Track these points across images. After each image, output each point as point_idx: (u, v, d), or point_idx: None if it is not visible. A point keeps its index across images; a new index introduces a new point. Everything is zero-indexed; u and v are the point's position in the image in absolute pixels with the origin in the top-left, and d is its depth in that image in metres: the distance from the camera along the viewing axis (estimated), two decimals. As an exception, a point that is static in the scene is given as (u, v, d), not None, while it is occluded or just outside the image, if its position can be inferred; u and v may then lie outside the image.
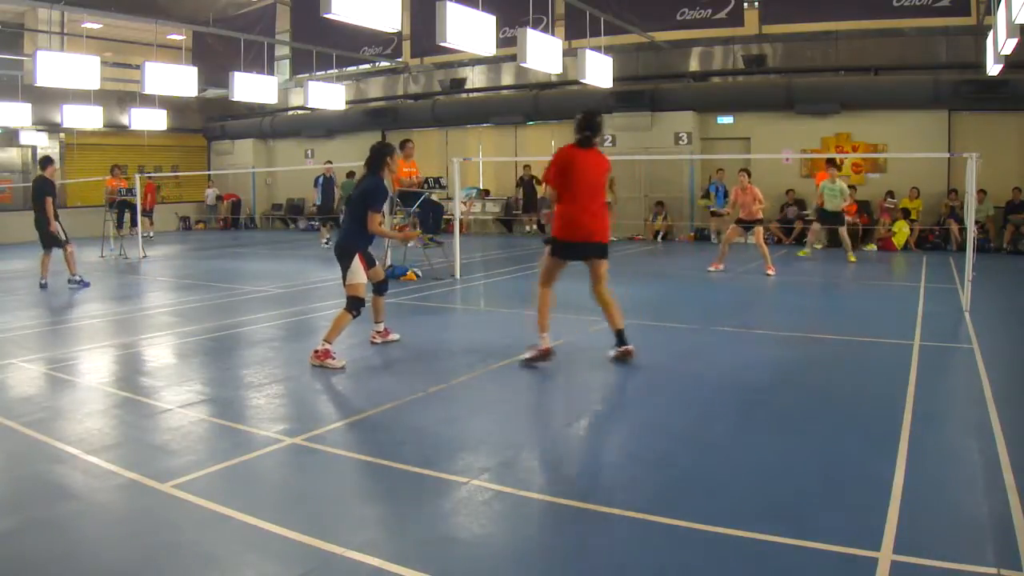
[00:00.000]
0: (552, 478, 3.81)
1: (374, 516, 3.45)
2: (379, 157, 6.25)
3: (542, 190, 14.45)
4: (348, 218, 6.23)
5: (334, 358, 5.90)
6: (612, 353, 5.99)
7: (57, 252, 10.69)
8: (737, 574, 2.85)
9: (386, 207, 11.58)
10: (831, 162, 13.22)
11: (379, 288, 6.56)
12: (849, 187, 15.23)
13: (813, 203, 14.66)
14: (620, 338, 5.98)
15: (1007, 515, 3.24)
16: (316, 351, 5.93)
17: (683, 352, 6.55)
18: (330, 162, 17.32)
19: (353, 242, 6.16)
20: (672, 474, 3.81)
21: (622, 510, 3.33)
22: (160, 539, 3.14)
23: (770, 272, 11.19)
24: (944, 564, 2.82)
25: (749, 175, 11.65)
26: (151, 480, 3.69)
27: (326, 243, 15.86)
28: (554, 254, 5.95)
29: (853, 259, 12.89)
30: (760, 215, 11.59)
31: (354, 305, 6.09)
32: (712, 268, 11.68)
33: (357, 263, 6.15)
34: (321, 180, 16.95)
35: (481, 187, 20.35)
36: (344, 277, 6.18)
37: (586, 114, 5.95)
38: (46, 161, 10.89)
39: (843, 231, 13.16)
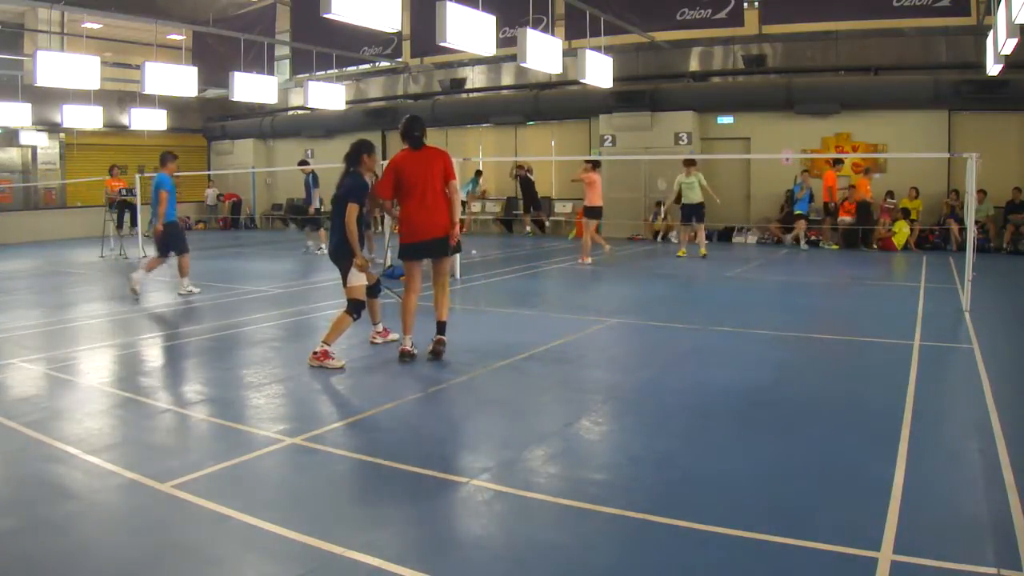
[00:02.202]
0: (552, 478, 3.81)
1: (374, 516, 3.45)
2: (355, 153, 6.19)
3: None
4: (339, 220, 6.08)
5: (333, 358, 5.90)
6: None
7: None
8: (737, 574, 2.85)
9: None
10: (688, 161, 13.47)
11: (371, 291, 6.53)
12: (850, 186, 15.34)
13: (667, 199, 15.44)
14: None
15: (1007, 515, 3.24)
16: (315, 352, 5.93)
17: (683, 352, 6.54)
18: (305, 162, 16.16)
19: (345, 247, 6.09)
20: (672, 474, 3.81)
21: (622, 510, 3.33)
22: (160, 539, 3.14)
23: (585, 261, 12.63)
24: (944, 564, 2.82)
25: (592, 167, 12.82)
26: (151, 480, 3.69)
27: (321, 250, 14.70)
28: (403, 257, 6.23)
29: (704, 253, 13.51)
30: (598, 204, 12.83)
31: (355, 308, 6.09)
32: (580, 262, 12.66)
33: (356, 267, 6.11)
34: (310, 179, 15.42)
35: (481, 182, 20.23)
36: (344, 280, 6.17)
37: (410, 118, 6.18)
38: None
39: (700, 227, 13.64)
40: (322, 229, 14.71)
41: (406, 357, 6.10)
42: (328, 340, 5.94)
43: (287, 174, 23.44)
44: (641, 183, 17.69)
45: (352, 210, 5.93)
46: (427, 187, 6.05)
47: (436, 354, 6.12)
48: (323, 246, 14.47)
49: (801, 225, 15.13)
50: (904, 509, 3.30)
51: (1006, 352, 6.63)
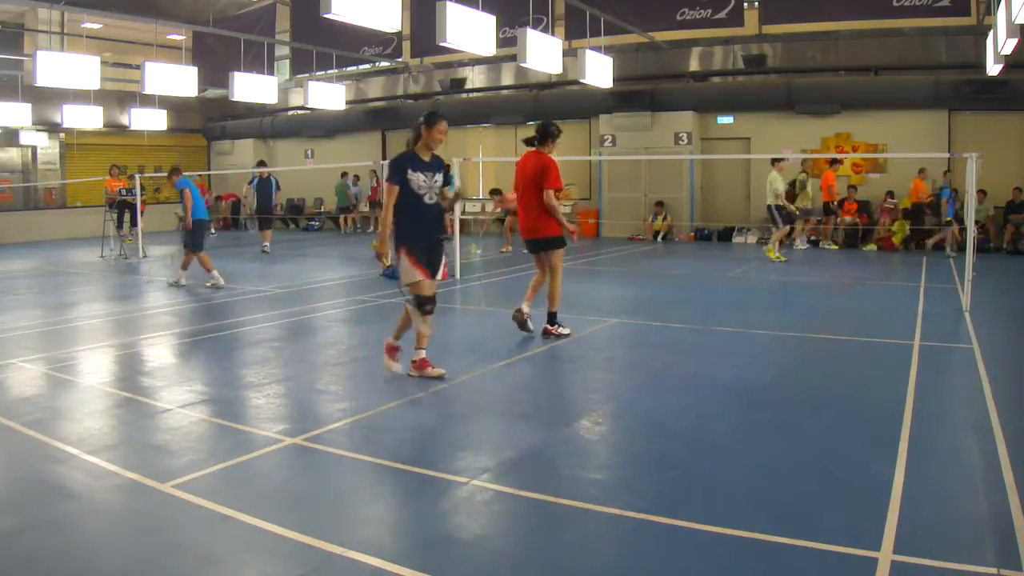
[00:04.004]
0: (552, 478, 3.81)
1: (374, 516, 3.45)
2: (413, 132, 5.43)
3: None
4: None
5: (432, 366, 5.47)
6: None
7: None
8: (737, 574, 2.85)
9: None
10: (775, 160, 12.92)
11: (421, 304, 5.43)
12: (850, 186, 15.34)
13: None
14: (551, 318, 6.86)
15: (1007, 515, 3.24)
16: (413, 361, 5.49)
17: (683, 352, 6.54)
18: (263, 163, 16.85)
19: (394, 234, 5.37)
20: (672, 474, 3.81)
21: (622, 510, 3.33)
22: (160, 539, 3.14)
23: (505, 250, 14.57)
24: (944, 564, 2.82)
25: None
26: (151, 480, 3.69)
27: (265, 249, 15.01)
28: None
29: (780, 259, 12.70)
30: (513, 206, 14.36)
31: (418, 303, 5.35)
32: (503, 250, 14.63)
33: (404, 259, 5.35)
34: (256, 181, 15.77)
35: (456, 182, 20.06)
36: None
37: (540, 122, 6.86)
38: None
39: (778, 230, 13.09)
40: (267, 230, 15.54)
41: (521, 325, 6.85)
42: (418, 344, 5.45)
43: (287, 174, 23.42)
44: (641, 183, 17.69)
45: (390, 191, 5.25)
46: (526, 189, 6.61)
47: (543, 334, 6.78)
48: (266, 245, 15.17)
49: (955, 230, 13.71)
50: (904, 509, 3.30)
51: (1006, 352, 6.63)
